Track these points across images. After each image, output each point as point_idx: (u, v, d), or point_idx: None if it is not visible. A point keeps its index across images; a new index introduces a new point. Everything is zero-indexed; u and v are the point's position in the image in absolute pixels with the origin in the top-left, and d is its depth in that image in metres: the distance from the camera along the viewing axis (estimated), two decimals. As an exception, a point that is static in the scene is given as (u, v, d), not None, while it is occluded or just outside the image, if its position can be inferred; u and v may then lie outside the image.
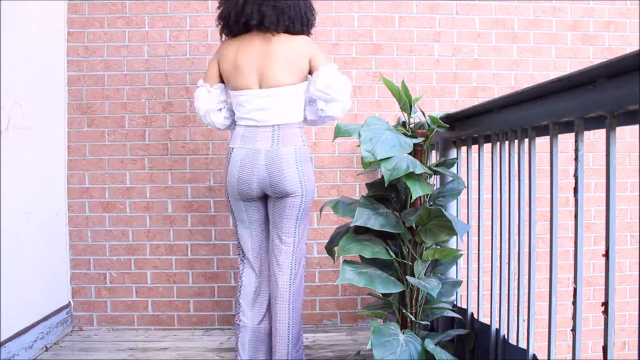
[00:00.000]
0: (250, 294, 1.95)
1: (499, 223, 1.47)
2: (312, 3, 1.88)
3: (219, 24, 1.89)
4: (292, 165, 1.78)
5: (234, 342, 2.35)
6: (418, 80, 2.68)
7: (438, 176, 1.85)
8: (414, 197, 1.44)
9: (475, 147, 1.64)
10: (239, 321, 1.95)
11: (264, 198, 1.89)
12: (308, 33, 1.88)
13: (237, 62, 1.79)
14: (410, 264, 1.57)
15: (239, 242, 1.96)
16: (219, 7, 1.90)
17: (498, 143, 1.46)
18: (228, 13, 1.80)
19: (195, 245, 2.61)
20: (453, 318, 1.72)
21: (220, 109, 1.92)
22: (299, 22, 1.80)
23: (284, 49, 1.77)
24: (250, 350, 1.94)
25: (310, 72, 1.82)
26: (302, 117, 1.86)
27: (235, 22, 1.79)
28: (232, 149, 1.82)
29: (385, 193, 1.65)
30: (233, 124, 1.94)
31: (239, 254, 1.99)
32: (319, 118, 1.87)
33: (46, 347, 2.25)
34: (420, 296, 1.59)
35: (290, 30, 1.79)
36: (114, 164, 2.60)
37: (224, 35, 1.90)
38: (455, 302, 1.73)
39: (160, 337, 2.45)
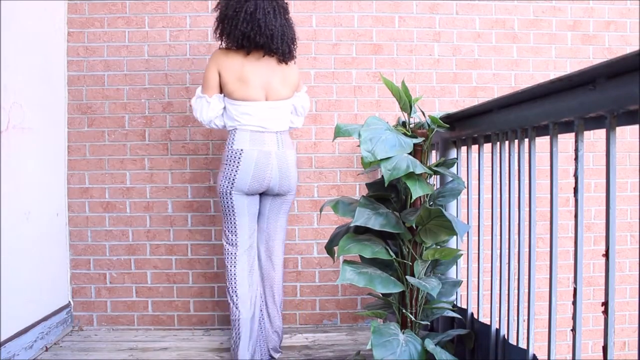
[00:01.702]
0: (246, 285, 2.05)
1: (499, 223, 1.47)
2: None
3: (219, 28, 2.01)
4: (293, 167, 2.08)
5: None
6: (418, 80, 2.68)
7: (438, 176, 1.85)
8: (414, 197, 1.44)
9: (475, 147, 1.64)
10: (237, 316, 2.03)
11: (261, 194, 2.10)
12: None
13: (244, 76, 1.97)
14: (410, 264, 1.57)
15: (231, 236, 2.05)
16: (218, 10, 2.02)
17: (498, 143, 1.46)
18: (242, 32, 1.92)
19: (195, 245, 2.61)
20: (453, 318, 1.72)
21: (221, 115, 2.07)
22: (293, 54, 2.08)
23: (282, 68, 2.05)
24: (251, 345, 2.04)
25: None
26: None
27: (245, 43, 1.95)
28: (242, 150, 1.98)
29: (385, 193, 1.65)
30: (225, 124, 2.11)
31: (228, 250, 2.06)
32: None
33: (46, 347, 2.25)
34: (420, 296, 1.59)
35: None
36: (114, 164, 2.60)
37: (223, 41, 2.03)
38: (455, 302, 1.73)
39: (160, 337, 2.45)
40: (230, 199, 2.00)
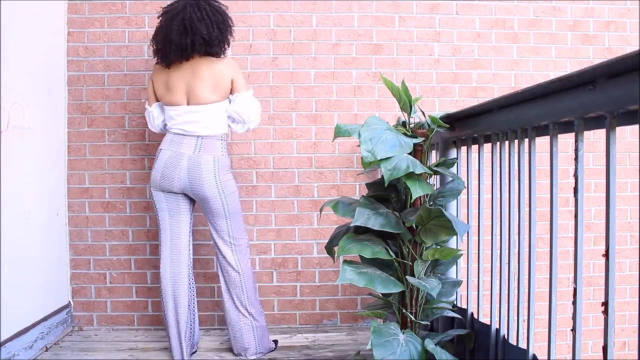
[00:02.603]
0: (169, 285, 2.13)
1: (499, 223, 1.47)
2: (228, 20, 2.09)
3: (153, 49, 2.11)
4: (210, 173, 2.04)
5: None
6: (418, 80, 2.68)
7: (438, 176, 1.85)
8: (414, 197, 1.44)
9: (475, 147, 1.64)
10: (165, 316, 2.14)
11: (185, 194, 2.14)
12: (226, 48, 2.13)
13: (169, 83, 2.07)
14: (410, 264, 1.57)
15: (159, 232, 2.17)
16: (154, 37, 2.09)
17: (498, 143, 1.46)
18: (159, 48, 2.05)
19: (195, 245, 2.61)
20: (453, 318, 1.72)
21: (164, 121, 2.21)
22: (217, 47, 2.05)
23: (209, 72, 2.03)
24: (184, 348, 2.11)
25: (231, 92, 2.10)
26: (224, 129, 2.13)
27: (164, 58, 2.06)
28: (161, 150, 2.10)
29: (385, 193, 1.65)
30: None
31: (159, 247, 2.18)
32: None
33: (46, 347, 2.25)
34: (420, 296, 1.59)
35: (211, 54, 2.06)
36: (114, 164, 2.60)
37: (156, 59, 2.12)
38: (455, 302, 1.73)
39: (160, 337, 2.45)
40: (151, 193, 2.15)
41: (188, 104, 2.06)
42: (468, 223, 1.66)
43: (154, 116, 2.19)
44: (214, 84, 2.04)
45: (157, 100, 2.17)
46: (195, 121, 2.05)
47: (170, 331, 2.12)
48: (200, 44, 1.98)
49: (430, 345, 1.39)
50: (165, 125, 2.20)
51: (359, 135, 1.45)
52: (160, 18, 2.05)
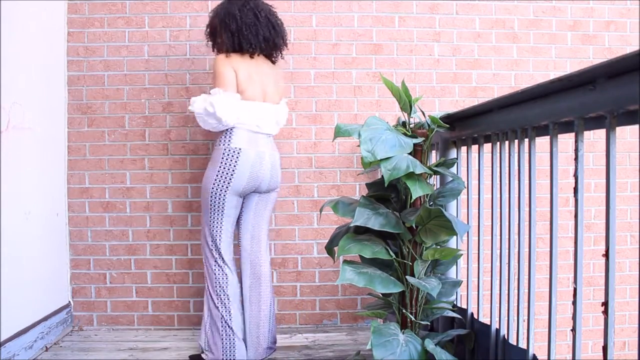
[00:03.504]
0: (237, 294, 2.05)
1: (499, 223, 1.47)
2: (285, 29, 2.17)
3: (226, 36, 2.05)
4: (279, 167, 2.15)
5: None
6: (418, 80, 2.68)
7: (438, 176, 1.85)
8: (414, 197, 1.44)
9: (475, 147, 1.64)
10: (224, 325, 2.00)
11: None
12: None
13: (253, 76, 2.03)
14: (410, 264, 1.57)
15: (216, 239, 2.00)
16: (215, 21, 2.11)
17: (498, 143, 1.46)
18: (246, 39, 2.02)
19: (195, 245, 2.61)
20: (453, 318, 1.72)
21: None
22: (280, 52, 2.18)
23: (273, 73, 2.13)
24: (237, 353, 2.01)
25: None
26: None
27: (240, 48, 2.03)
28: (240, 149, 1.96)
29: (385, 193, 1.65)
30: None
31: (212, 256, 2.02)
32: None
33: (46, 347, 2.25)
34: (420, 296, 1.59)
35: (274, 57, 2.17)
36: (114, 164, 2.60)
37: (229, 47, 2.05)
38: (455, 302, 1.73)
39: (160, 337, 2.45)
40: (223, 198, 1.96)
41: (264, 101, 2.06)
42: (468, 223, 1.66)
43: (234, 107, 1.93)
44: (277, 85, 2.13)
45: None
46: (266, 118, 2.05)
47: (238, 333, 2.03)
48: (280, 45, 2.10)
49: (430, 345, 1.39)
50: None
51: (359, 135, 1.45)
52: (233, 9, 2.03)
